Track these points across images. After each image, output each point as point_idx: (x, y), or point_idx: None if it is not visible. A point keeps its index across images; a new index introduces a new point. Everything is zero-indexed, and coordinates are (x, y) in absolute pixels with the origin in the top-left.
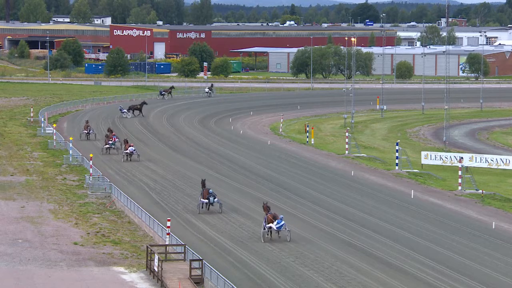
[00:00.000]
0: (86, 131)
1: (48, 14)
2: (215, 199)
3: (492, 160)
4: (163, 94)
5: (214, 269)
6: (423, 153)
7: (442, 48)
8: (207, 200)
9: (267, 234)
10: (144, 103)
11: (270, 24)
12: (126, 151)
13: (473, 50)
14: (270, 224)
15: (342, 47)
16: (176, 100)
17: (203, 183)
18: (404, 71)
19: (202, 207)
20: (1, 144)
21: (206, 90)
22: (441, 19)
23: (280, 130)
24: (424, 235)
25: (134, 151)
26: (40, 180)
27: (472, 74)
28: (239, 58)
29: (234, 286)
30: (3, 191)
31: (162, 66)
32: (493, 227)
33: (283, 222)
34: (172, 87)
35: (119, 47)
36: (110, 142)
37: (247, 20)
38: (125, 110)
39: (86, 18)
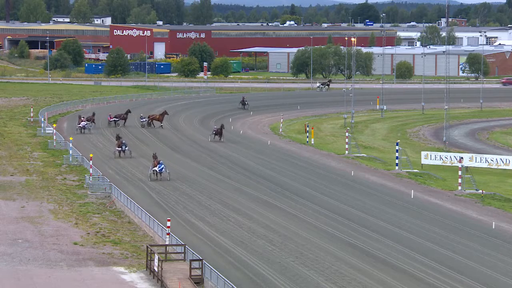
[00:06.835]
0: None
1: (48, 14)
2: (126, 148)
3: (492, 160)
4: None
5: (214, 269)
6: (423, 153)
7: (442, 48)
8: (120, 148)
9: (154, 175)
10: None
11: (270, 24)
12: (79, 125)
13: (473, 50)
14: (155, 168)
15: (342, 47)
16: (176, 100)
17: (117, 137)
18: (404, 71)
19: (120, 155)
20: (1, 144)
21: (318, 84)
22: (441, 19)
23: (280, 130)
24: (424, 235)
25: (86, 125)
26: (40, 180)
27: (472, 74)
28: (239, 58)
29: (234, 286)
30: (3, 191)
31: (162, 66)
32: (493, 227)
33: (162, 166)
34: (244, 99)
35: (119, 47)
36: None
37: (247, 20)
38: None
39: (86, 18)
